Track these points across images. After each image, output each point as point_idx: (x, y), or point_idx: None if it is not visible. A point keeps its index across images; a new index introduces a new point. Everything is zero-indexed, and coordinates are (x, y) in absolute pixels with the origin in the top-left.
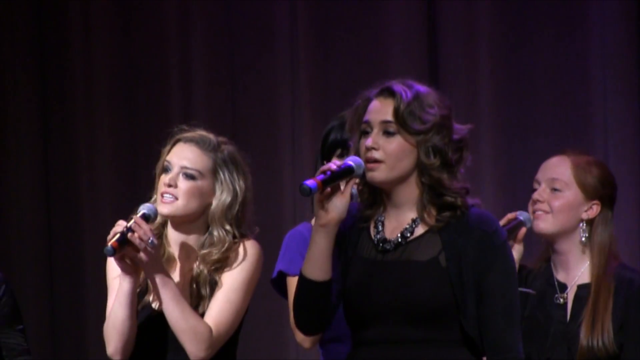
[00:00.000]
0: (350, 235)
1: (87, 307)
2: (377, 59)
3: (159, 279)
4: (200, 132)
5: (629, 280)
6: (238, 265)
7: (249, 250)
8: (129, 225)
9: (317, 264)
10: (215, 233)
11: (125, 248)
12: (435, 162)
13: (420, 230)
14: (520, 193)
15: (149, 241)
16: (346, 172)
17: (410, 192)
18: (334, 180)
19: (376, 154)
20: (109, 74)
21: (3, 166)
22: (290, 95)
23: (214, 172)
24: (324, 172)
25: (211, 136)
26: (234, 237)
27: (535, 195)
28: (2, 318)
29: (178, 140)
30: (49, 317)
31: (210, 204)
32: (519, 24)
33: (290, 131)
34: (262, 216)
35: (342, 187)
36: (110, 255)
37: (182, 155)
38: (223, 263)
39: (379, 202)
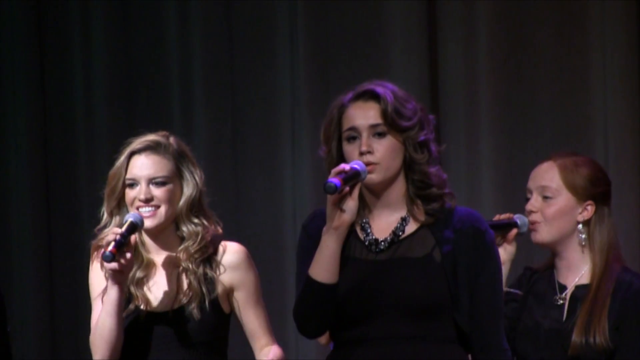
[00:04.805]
0: None
1: (86, 307)
2: (377, 58)
3: None
4: (148, 138)
5: (628, 283)
6: (247, 278)
7: (246, 257)
8: (123, 231)
9: (327, 266)
10: (185, 229)
11: (123, 253)
12: (424, 156)
13: (411, 227)
14: (520, 193)
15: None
16: (356, 175)
17: (399, 189)
18: (349, 181)
19: (371, 157)
20: (108, 74)
21: (3, 166)
22: (290, 95)
23: (179, 172)
24: (339, 173)
25: (159, 137)
26: (203, 225)
27: (528, 206)
28: None
29: (132, 154)
30: (49, 317)
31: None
32: (519, 24)
33: (290, 131)
34: (262, 216)
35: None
36: (109, 261)
37: (144, 167)
38: (204, 254)
39: (361, 206)
